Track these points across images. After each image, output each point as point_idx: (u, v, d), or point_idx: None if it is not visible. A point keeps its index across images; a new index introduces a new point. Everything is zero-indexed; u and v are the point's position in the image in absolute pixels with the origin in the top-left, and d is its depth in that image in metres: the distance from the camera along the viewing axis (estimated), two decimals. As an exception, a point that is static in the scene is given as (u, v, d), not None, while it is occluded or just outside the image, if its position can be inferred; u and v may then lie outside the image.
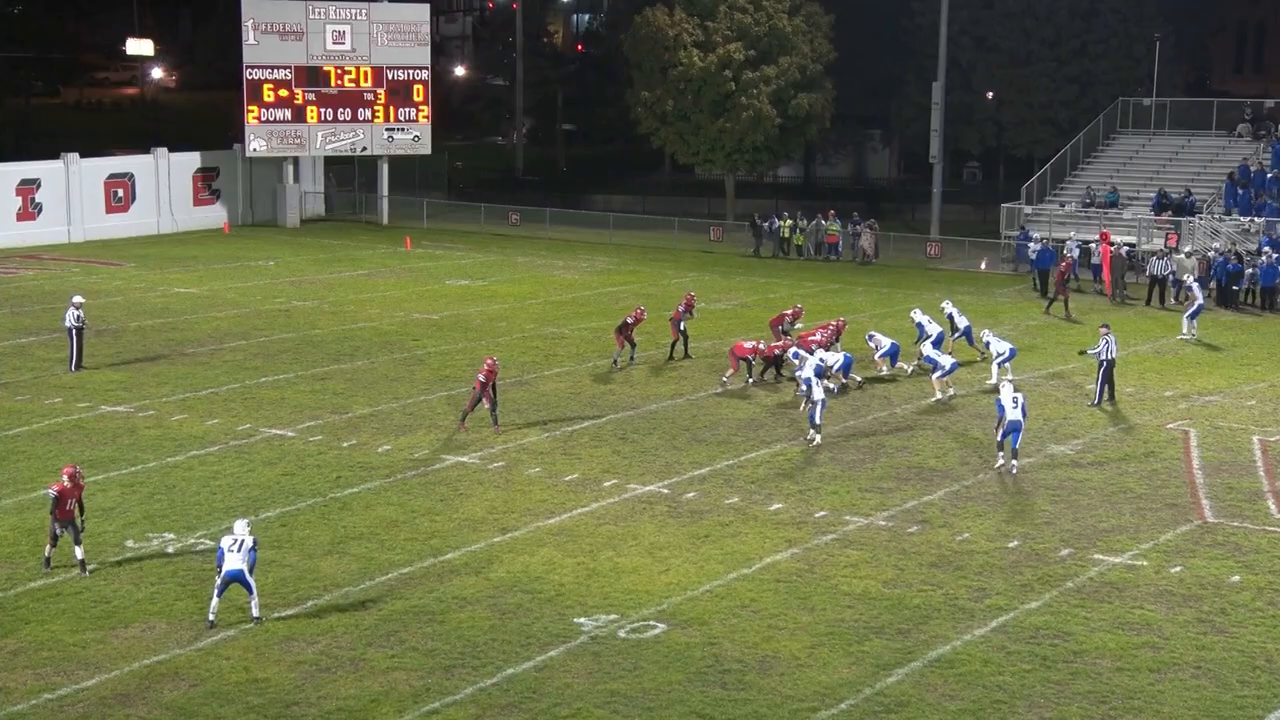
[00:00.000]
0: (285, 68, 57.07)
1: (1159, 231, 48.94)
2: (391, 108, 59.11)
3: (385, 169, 61.20)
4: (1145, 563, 19.91)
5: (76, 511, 19.13)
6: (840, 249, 52.72)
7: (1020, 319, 39.42)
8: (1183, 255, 43.31)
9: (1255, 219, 47.56)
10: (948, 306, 33.32)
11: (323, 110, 57.91)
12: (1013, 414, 23.94)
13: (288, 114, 57.45)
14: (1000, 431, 24.23)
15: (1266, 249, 43.54)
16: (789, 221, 53.35)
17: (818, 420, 25.82)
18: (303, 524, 21.34)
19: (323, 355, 33.29)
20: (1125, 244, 45.35)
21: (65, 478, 19.13)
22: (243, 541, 17.55)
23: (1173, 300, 42.21)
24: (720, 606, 18.35)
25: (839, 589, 18.94)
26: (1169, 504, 22.62)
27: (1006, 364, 30.01)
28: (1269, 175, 49.88)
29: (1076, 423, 27.85)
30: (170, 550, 20.17)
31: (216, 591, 17.56)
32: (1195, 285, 38.33)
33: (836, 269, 50.03)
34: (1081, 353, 30.53)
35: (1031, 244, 46.06)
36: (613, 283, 45.51)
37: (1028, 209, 52.34)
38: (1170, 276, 42.25)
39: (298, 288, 43.39)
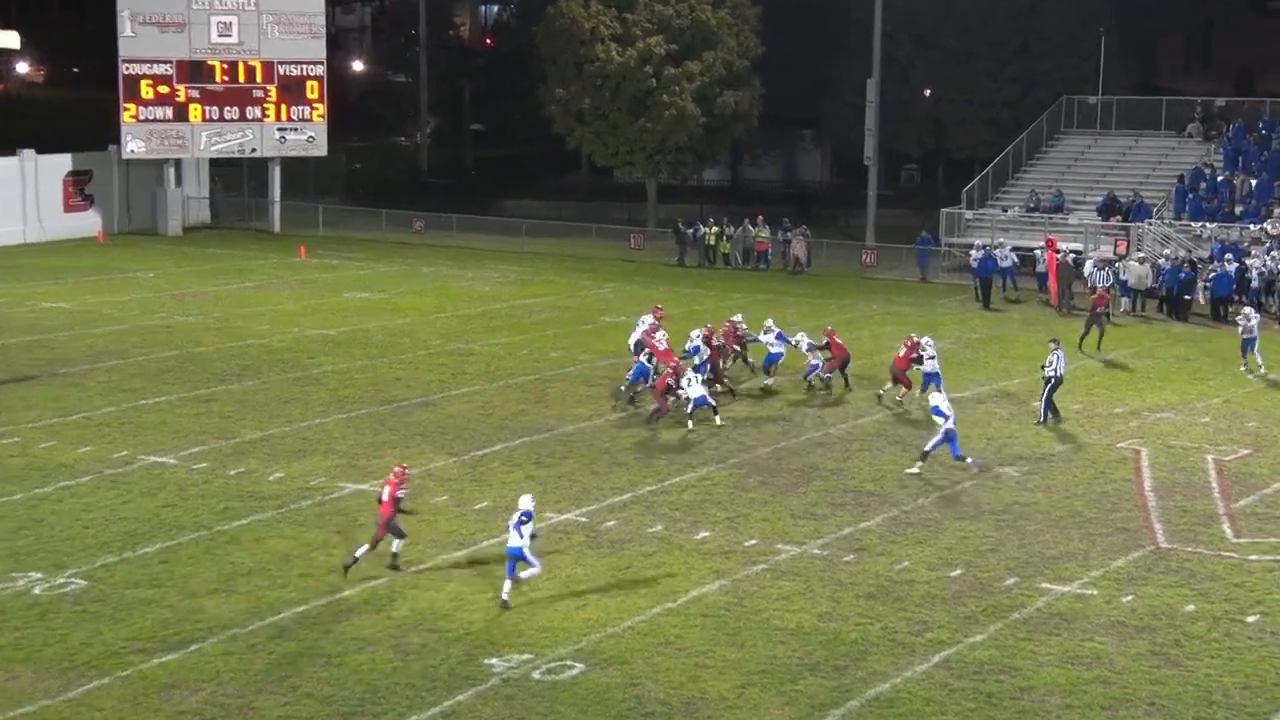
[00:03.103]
0: (166, 62, 56.41)
1: (1106, 237, 49.67)
2: (283, 106, 58.62)
3: (277, 172, 60.66)
4: (1095, 592, 20.11)
5: None
6: (770, 257, 52.93)
7: (961, 331, 39.82)
8: (1134, 261, 43.91)
9: (1207, 224, 48.41)
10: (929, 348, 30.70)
11: (207, 108, 57.30)
12: (947, 423, 25.17)
13: (169, 112, 56.79)
14: (941, 437, 25.14)
15: (1226, 256, 44.26)
16: (715, 228, 53.51)
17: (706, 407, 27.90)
18: (185, 560, 21.02)
19: (208, 375, 32.90)
20: (1071, 251, 45.96)
21: None
22: (518, 516, 19.11)
23: (1123, 309, 42.85)
24: (643, 644, 18.29)
25: (770, 623, 18.94)
26: (1120, 529, 22.87)
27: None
28: (1220, 178, 50.82)
29: (1022, 442, 28.12)
30: (37, 591, 19.77)
31: (507, 571, 19.18)
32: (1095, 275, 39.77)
33: (766, 278, 50.24)
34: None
35: (973, 251, 46.57)
36: (526, 294, 45.39)
37: (968, 214, 52.91)
38: (1122, 285, 42.79)
39: (180, 301, 42.87)
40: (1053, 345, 29.75)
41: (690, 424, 28.39)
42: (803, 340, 31.89)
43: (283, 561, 20.94)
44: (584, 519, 22.95)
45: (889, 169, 68.51)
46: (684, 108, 58.87)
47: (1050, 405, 29.48)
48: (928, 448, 25.66)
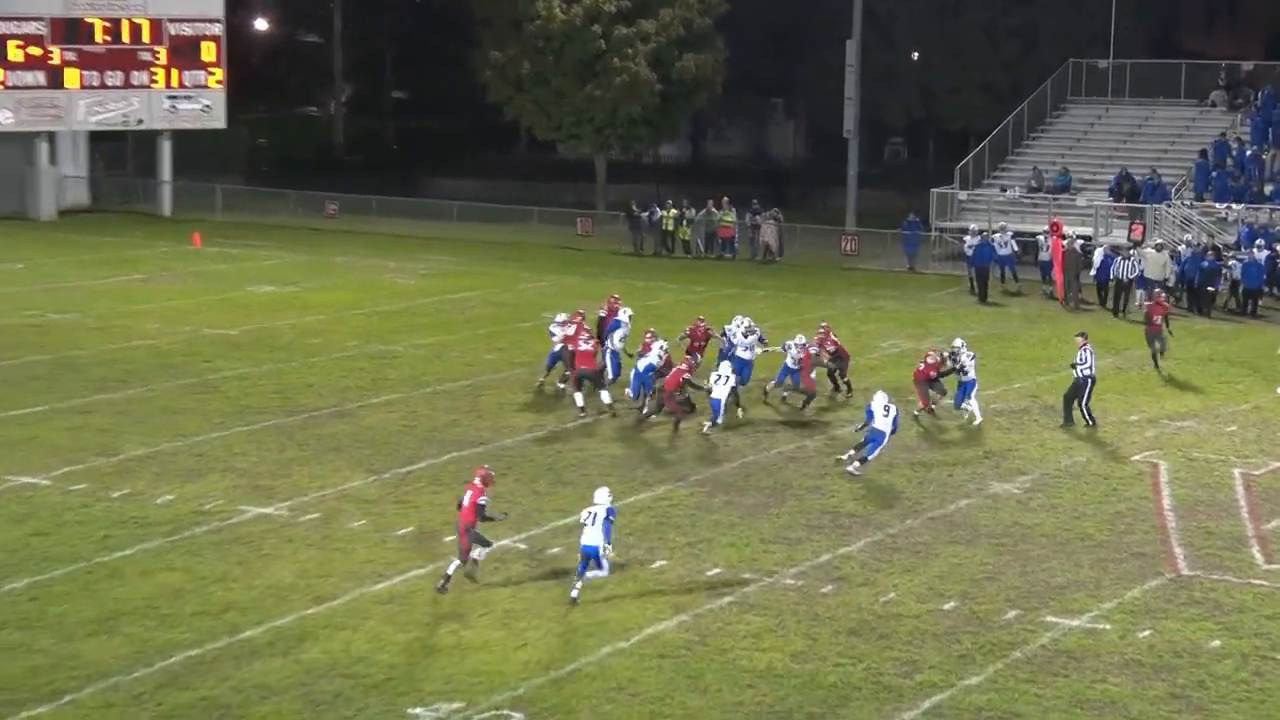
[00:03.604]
0: (38, 19, 56.02)
1: (1119, 221, 50.02)
2: (175, 70, 58.34)
3: (167, 147, 60.35)
4: (1108, 626, 20.20)
5: None
6: (736, 244, 53.03)
7: (954, 328, 39.91)
8: (1151, 249, 44.19)
9: (1233, 206, 48.79)
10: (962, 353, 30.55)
11: (86, 73, 56.94)
12: (880, 423, 26.18)
13: (41, 78, 56.39)
14: (864, 436, 26.49)
15: (1256, 243, 44.58)
16: (673, 211, 53.58)
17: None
18: (59, 597, 20.83)
19: (86, 382, 32.65)
20: (1080, 237, 46.26)
21: None
22: (596, 513, 20.31)
23: (1139, 304, 43.14)
24: (591, 690, 18.23)
25: (737, 665, 18.92)
26: (1135, 554, 22.98)
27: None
28: (1249, 152, 51.24)
29: (1023, 455, 28.25)
30: (-113, 634, 19.54)
31: (578, 570, 20.47)
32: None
33: (732, 269, 50.31)
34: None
35: (968, 237, 46.79)
36: (456, 288, 45.31)
37: (962, 194, 53.18)
38: (1139, 277, 42.94)
39: (54, 297, 42.56)
40: (1081, 341, 30.01)
41: (707, 426, 28.88)
42: (792, 348, 30.89)
43: (173, 598, 20.79)
44: (523, 545, 22.87)
45: (872, 143, 68.85)
46: (637, 73, 58.95)
47: (1086, 409, 29.86)
48: (867, 455, 26.55)
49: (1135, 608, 20.80)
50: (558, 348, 31.46)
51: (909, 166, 70.84)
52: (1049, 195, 52.07)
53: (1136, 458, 28.13)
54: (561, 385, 31.61)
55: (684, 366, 29.68)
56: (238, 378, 33.29)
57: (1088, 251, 45.20)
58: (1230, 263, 43.38)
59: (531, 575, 21.75)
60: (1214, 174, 50.51)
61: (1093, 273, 44.02)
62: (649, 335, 30.86)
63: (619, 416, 30.05)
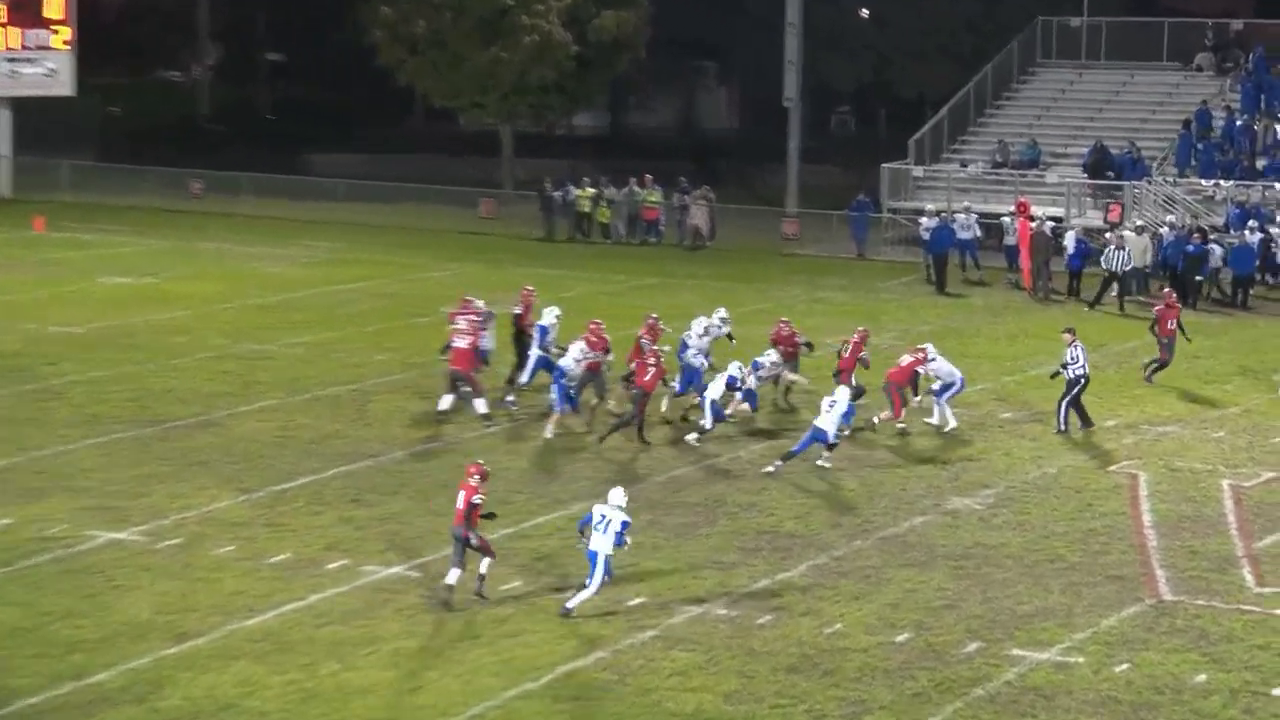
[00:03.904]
0: None
1: (1094, 201, 50.39)
2: (14, 29, 57.69)
3: (7, 117, 59.72)
4: (1081, 659, 20.30)
5: None
6: (663, 227, 53.04)
7: (909, 322, 40.20)
8: (1129, 232, 44.53)
9: (1221, 183, 49.25)
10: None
11: (-92, 31, 56.24)
12: (820, 419, 27.11)
13: None
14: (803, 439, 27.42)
15: (1249, 224, 44.99)
16: (590, 190, 53.57)
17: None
18: (-121, 637, 20.57)
19: (-89, 388, 32.32)
20: (1050, 218, 46.58)
21: None
22: (609, 521, 20.97)
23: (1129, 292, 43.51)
24: (494, 738, 18.19)
25: (662, 707, 18.90)
26: (1112, 577, 23.12)
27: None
28: (1239, 122, 51.73)
29: (986, 466, 28.42)
30: None
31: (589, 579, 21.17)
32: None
33: (657, 255, 50.32)
34: (1054, 375, 31.05)
35: (924, 219, 47.04)
36: (341, 278, 45.13)
37: (918, 171, 53.43)
38: (1131, 269, 43.07)
39: (-126, 290, 42.16)
40: (1068, 337, 30.29)
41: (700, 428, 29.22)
42: (764, 365, 30.68)
43: (10, 637, 20.55)
44: (417, 573, 22.77)
45: (815, 113, 69.07)
46: (549, 32, 58.88)
47: (1079, 410, 30.19)
48: (795, 449, 27.54)
49: (1111, 638, 20.92)
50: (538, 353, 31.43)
51: (857, 139, 71.18)
52: (1015, 171, 52.44)
53: (1113, 468, 28.36)
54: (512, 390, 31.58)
55: (652, 361, 29.46)
56: (87, 382, 32.98)
57: (1059, 235, 45.54)
58: (1212, 246, 43.62)
59: (427, 608, 21.64)
60: (1199, 147, 50.97)
61: (1064, 259, 44.35)
62: (593, 328, 30.93)
63: (494, 428, 30.13)
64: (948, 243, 46.08)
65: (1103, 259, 43.17)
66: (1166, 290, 37.66)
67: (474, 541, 21.66)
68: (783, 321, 32.72)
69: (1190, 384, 34.27)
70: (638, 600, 21.96)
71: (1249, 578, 23.18)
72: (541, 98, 61.27)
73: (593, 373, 30.19)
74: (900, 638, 20.85)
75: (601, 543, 21.12)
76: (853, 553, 23.93)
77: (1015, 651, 20.46)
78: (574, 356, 29.96)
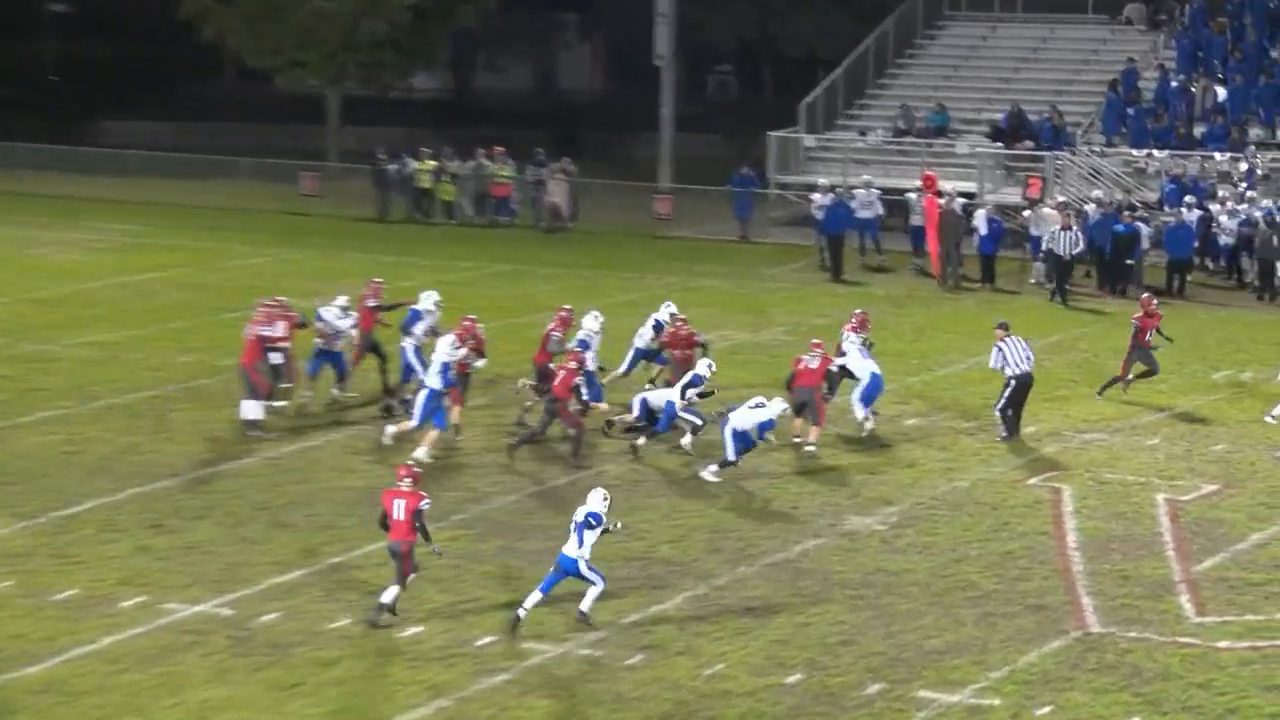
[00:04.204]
0: None
1: (1011, 174, 50.73)
2: None
3: None
4: (998, 701, 20.36)
5: None
6: (515, 206, 52.91)
7: (799, 314, 40.27)
8: (1050, 209, 44.86)
9: (1153, 153, 49.75)
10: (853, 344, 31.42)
11: None
12: (737, 414, 27.70)
13: None
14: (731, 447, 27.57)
15: (1185, 200, 45.32)
16: (431, 163, 53.36)
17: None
18: None
19: None
20: (960, 194, 46.86)
21: None
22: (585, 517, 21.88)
23: (1036, 280, 43.85)
24: (318, 804, 18.01)
25: (515, 765, 18.81)
26: (1033, 606, 23.19)
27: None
28: (1173, 84, 52.29)
29: (889, 480, 28.48)
30: None
31: (543, 583, 22.01)
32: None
33: (509, 239, 50.22)
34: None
35: (817, 195, 47.11)
36: (138, 266, 44.75)
37: (809, 140, 53.60)
38: (1073, 254, 43.07)
39: None
40: (1000, 333, 30.41)
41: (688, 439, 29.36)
42: (705, 375, 30.25)
43: None
44: (229, 610, 22.58)
45: (692, 74, 69.17)
46: (381, -20, 58.69)
47: (1011, 415, 30.36)
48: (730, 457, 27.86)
49: (1032, 676, 20.98)
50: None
51: (740, 104, 71.37)
52: (920, 141, 52.76)
53: (1034, 481, 28.51)
54: (408, 398, 31.14)
55: (573, 364, 29.31)
56: None
57: (970, 213, 45.80)
58: (1138, 225, 43.89)
59: (238, 650, 21.40)
60: (1130, 112, 51.49)
61: (975, 241, 44.61)
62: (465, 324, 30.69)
63: (271, 438, 30.03)
64: (844, 223, 46.25)
65: (1048, 241, 43.18)
66: (1146, 295, 35.88)
67: (410, 558, 22.13)
68: (680, 320, 32.49)
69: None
70: (488, 639, 21.83)
71: (1187, 606, 23.30)
72: (373, 55, 61.05)
73: (461, 375, 29.94)
74: (791, 679, 20.84)
75: (575, 547, 21.95)
76: (736, 581, 23.88)
77: (922, 693, 20.48)
78: (444, 352, 29.41)
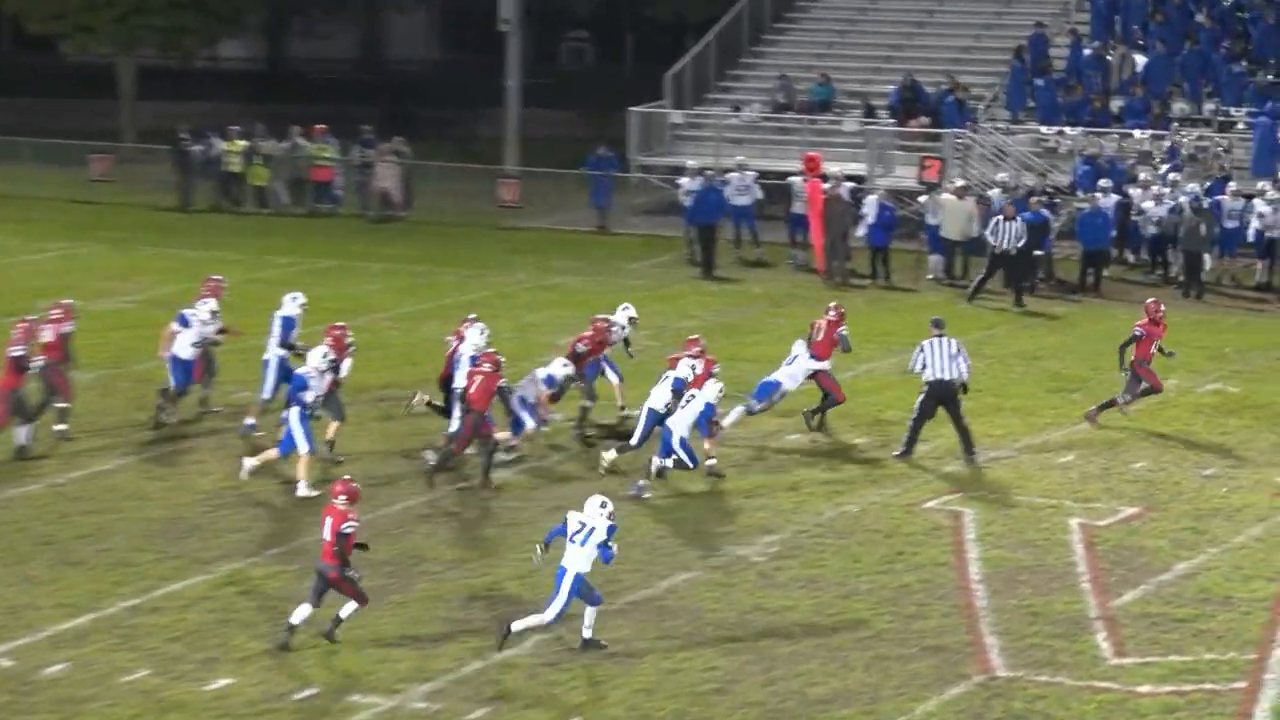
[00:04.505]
0: None
1: (905, 155, 51.05)
2: None
3: None
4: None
5: None
6: (340, 192, 52.75)
7: (666, 316, 40.33)
8: (949, 195, 45.09)
9: (1066, 131, 50.14)
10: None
11: None
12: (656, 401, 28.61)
13: None
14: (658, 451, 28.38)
15: (1100, 184, 45.57)
16: (241, 143, 53.09)
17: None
18: None
19: None
20: (848, 178, 47.11)
21: None
22: (591, 531, 22.41)
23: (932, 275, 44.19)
24: None
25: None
26: (930, 648, 23.28)
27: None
28: (1087, 52, 52.75)
29: (768, 504, 28.59)
30: None
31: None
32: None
33: (332, 229, 50.10)
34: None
35: (685, 180, 47.21)
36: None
37: (676, 116, 53.72)
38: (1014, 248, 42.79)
39: None
40: (934, 330, 30.66)
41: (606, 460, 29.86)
42: (558, 376, 30.83)
43: None
44: (8, 661, 22.42)
45: (543, 41, 69.20)
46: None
47: (914, 427, 30.65)
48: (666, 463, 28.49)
49: (931, 727, 21.21)
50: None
51: (597, 76, 71.41)
52: (803, 117, 52.98)
53: (932, 504, 28.72)
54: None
55: (488, 368, 29.28)
56: None
57: (859, 200, 46.03)
58: (1043, 211, 43.99)
59: (19, 707, 21.22)
60: (1039, 83, 51.86)
61: (860, 231, 44.84)
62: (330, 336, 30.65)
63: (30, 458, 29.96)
64: (716, 211, 46.36)
65: (989, 234, 42.95)
66: (1153, 301, 33.84)
67: (345, 582, 22.61)
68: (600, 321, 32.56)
69: (1029, 394, 34.89)
70: (308, 691, 21.78)
71: (1105, 646, 23.47)
72: (172, 19, 60.63)
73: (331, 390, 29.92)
74: (668, 732, 20.95)
75: (576, 557, 22.39)
76: (595, 622, 23.93)
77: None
78: (315, 365, 29.33)
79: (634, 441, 29.29)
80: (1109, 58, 52.43)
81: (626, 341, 33.14)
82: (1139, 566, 26.15)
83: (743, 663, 22.80)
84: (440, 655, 22.88)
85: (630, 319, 33.09)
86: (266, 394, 31.54)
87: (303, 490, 28.42)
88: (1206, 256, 44.04)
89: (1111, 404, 32.82)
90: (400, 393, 32.35)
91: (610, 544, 22.61)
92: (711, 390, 28.74)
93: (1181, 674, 22.45)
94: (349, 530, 22.45)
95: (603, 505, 22.63)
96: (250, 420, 31.36)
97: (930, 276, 44.97)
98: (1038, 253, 43.65)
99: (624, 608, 24.42)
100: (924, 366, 30.41)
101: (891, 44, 56.36)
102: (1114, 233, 44.98)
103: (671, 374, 29.22)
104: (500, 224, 51.41)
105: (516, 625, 22.45)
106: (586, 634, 22.64)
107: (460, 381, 30.00)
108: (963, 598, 24.99)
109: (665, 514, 28.00)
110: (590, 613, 22.59)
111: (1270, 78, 51.10)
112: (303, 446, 28.55)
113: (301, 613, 22.57)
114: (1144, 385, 32.72)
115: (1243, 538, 27.25)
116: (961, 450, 30.66)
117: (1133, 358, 32.44)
